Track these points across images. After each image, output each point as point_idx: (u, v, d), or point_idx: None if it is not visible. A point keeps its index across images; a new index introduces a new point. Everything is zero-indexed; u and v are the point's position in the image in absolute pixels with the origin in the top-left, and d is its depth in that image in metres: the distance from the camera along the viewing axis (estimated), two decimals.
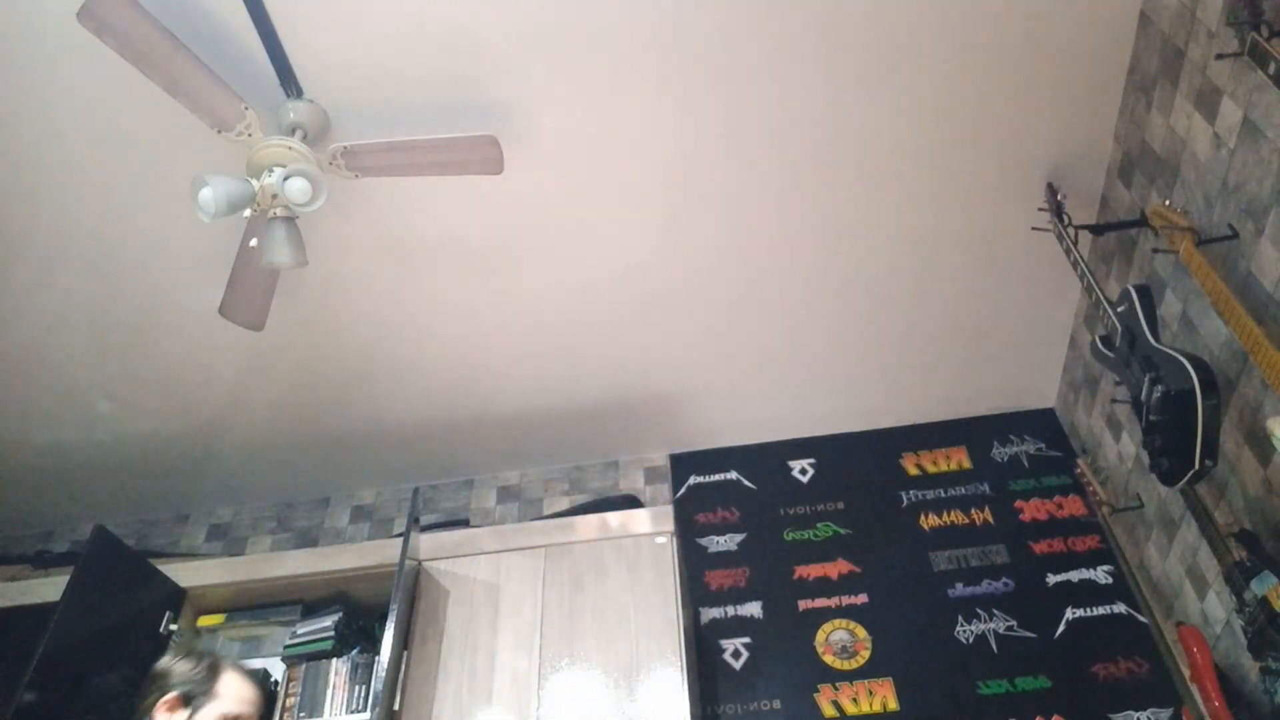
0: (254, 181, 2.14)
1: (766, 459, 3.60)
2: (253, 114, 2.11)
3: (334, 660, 2.69)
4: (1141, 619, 2.91)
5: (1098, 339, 2.41)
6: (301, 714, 2.60)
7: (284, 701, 2.64)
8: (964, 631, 2.99)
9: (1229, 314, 1.92)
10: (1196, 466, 1.97)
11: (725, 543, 3.37)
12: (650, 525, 2.84)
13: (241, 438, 3.44)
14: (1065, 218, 2.56)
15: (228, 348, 3.02)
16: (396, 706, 2.51)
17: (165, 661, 1.75)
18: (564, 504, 3.55)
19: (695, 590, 3.22)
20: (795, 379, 3.40)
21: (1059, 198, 2.60)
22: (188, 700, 1.66)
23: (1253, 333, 1.84)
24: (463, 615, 2.70)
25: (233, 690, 1.71)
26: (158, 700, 1.67)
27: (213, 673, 1.71)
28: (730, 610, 3.17)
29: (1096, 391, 3.13)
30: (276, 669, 2.75)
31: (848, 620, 3.08)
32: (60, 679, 2.33)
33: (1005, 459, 3.45)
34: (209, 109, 2.08)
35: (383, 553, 2.83)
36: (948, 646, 2.96)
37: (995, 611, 3.02)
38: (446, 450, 3.59)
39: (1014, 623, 2.99)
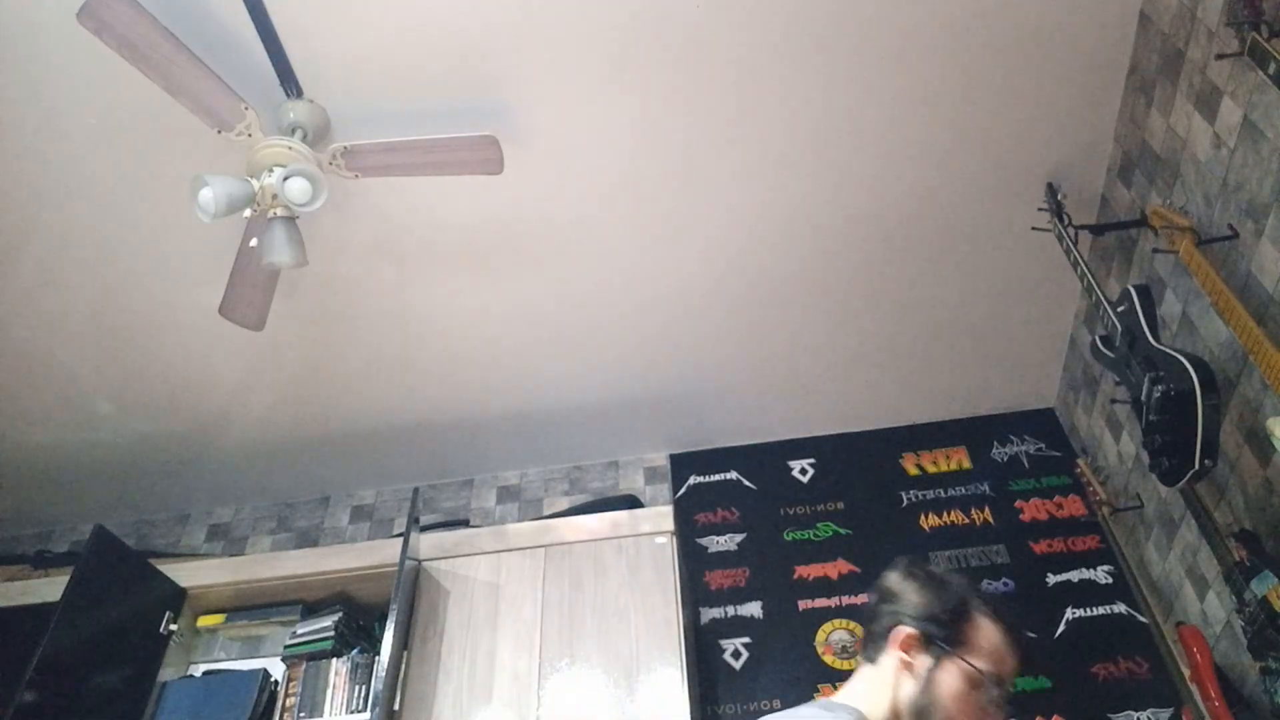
0: (254, 181, 2.14)
1: (766, 459, 3.59)
2: (253, 114, 2.12)
3: (334, 660, 2.69)
4: (1141, 619, 2.90)
5: (1098, 339, 2.40)
6: (301, 714, 2.60)
7: (284, 701, 2.64)
8: None
9: (1229, 314, 1.92)
10: (1196, 466, 1.97)
11: (725, 543, 3.36)
12: (650, 525, 2.84)
13: (241, 438, 3.44)
14: (1065, 218, 2.56)
15: (228, 348, 3.02)
16: (396, 706, 2.51)
17: (900, 582, 1.39)
18: (564, 504, 3.54)
19: (695, 590, 3.22)
20: (795, 379, 3.39)
21: (1059, 198, 2.60)
22: (928, 643, 1.31)
23: (1253, 333, 1.84)
24: (463, 615, 2.70)
25: (986, 642, 1.30)
26: (895, 628, 1.35)
27: (961, 615, 1.32)
28: (730, 610, 3.16)
29: (1096, 391, 3.12)
30: (276, 669, 2.75)
31: (848, 620, 3.07)
32: (60, 679, 2.33)
33: (1005, 459, 3.44)
34: (209, 109, 2.08)
35: (383, 553, 2.83)
36: None
37: None
38: (446, 450, 3.59)
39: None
